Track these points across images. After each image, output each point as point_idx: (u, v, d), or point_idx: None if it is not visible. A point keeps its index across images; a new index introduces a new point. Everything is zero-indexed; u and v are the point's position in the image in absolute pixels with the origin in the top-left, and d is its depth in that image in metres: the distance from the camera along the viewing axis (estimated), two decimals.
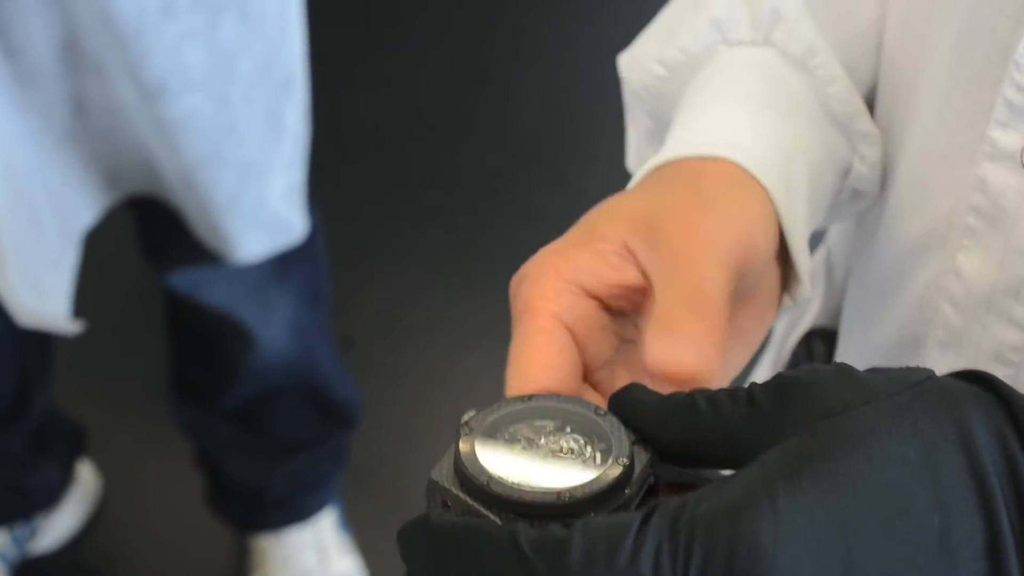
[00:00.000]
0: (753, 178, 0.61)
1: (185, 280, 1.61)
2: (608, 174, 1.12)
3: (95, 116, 1.39)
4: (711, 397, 0.47)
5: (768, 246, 0.60)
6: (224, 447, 1.84)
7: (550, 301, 0.56)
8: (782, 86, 0.69)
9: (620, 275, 0.56)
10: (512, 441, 0.50)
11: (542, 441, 0.50)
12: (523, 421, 0.50)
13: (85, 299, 1.59)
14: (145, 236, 1.63)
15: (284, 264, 1.60)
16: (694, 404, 0.47)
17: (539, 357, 0.55)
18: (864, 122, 0.71)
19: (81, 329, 1.49)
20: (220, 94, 1.39)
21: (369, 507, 2.05)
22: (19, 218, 1.39)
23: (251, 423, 1.79)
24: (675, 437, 0.48)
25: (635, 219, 0.57)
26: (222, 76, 1.38)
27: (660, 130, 0.76)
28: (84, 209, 1.49)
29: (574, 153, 2.57)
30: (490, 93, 2.72)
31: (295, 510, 1.92)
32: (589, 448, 0.49)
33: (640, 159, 0.81)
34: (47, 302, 1.46)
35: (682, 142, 0.64)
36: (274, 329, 1.67)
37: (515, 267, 0.57)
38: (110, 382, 2.20)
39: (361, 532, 2.00)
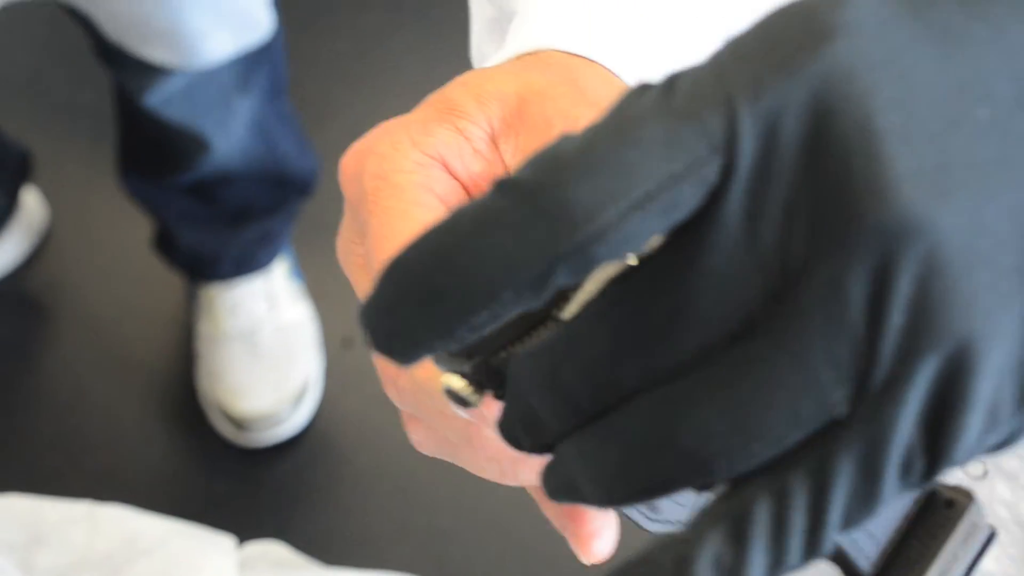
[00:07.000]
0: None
1: (143, 95, 1.53)
2: None
3: None
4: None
5: None
6: (178, 218, 1.78)
7: (413, 174, 0.43)
8: None
9: (488, 165, 0.44)
10: None
11: None
12: None
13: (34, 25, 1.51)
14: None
15: (247, 69, 1.52)
16: None
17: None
18: None
19: None
20: None
21: (322, 254, 2.02)
22: None
23: (207, 197, 1.73)
24: None
25: (506, 103, 0.45)
26: None
27: (503, 20, 0.60)
28: None
29: None
30: None
31: (247, 264, 1.88)
32: None
33: (482, 55, 0.65)
34: None
35: (543, 32, 0.50)
36: (235, 131, 1.59)
37: None
38: (59, 108, 2.11)
39: (313, 279, 1.97)
